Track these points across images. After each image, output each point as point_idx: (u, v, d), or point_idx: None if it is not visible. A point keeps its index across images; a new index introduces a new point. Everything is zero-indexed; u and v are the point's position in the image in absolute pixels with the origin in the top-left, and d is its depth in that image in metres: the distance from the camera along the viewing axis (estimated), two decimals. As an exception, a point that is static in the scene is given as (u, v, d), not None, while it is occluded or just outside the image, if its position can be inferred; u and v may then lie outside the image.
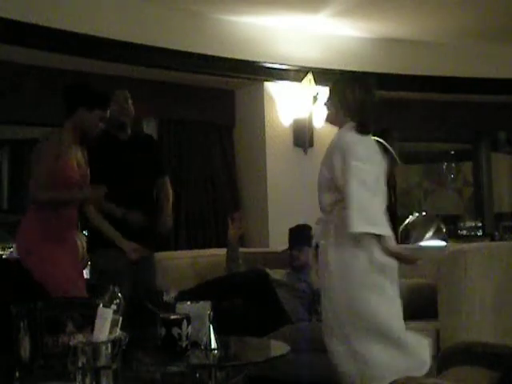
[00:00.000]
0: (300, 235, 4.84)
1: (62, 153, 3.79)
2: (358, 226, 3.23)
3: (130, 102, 4.36)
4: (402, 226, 6.94)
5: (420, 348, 3.33)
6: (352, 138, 3.40)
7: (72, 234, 3.94)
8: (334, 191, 3.37)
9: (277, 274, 4.81)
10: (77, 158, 3.89)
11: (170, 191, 4.53)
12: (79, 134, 3.89)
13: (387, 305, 3.37)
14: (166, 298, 3.48)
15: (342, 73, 6.45)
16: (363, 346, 3.33)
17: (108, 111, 3.93)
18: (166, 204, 4.44)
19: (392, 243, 3.35)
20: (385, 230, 3.31)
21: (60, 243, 3.81)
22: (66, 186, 3.81)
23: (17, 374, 2.73)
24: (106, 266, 4.20)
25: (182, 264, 5.03)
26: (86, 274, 5.29)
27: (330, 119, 3.56)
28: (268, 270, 4.75)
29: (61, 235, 3.83)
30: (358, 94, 3.42)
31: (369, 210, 3.27)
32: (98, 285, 4.06)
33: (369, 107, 3.45)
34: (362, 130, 3.41)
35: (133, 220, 4.20)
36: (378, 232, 3.28)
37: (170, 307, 3.26)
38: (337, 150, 3.38)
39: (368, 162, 3.34)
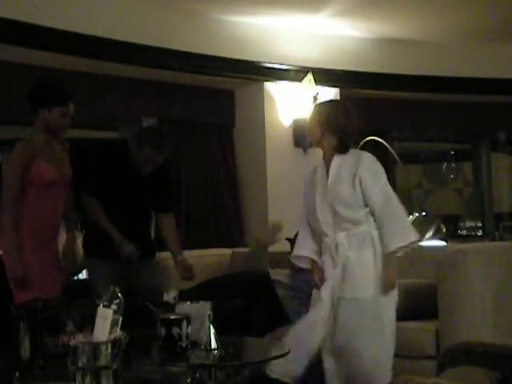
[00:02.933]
0: None
1: (35, 155, 3.79)
2: (413, 236, 3.52)
3: (162, 153, 4.32)
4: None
5: None
6: (371, 157, 3.64)
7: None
8: (363, 207, 3.55)
9: (277, 274, 4.81)
10: (54, 157, 3.89)
11: (175, 231, 4.58)
12: (49, 134, 3.88)
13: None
14: (165, 297, 3.48)
15: (342, 73, 6.48)
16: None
17: (70, 106, 3.88)
18: (172, 245, 4.49)
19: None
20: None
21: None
22: (43, 186, 3.81)
23: (17, 374, 2.73)
24: (97, 279, 4.19)
25: (182, 264, 5.01)
26: (86, 273, 5.31)
27: (314, 137, 3.73)
28: (270, 270, 4.76)
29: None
30: (340, 119, 3.63)
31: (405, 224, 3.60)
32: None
33: (350, 130, 3.65)
34: (343, 149, 3.62)
35: (125, 251, 4.19)
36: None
37: (170, 307, 3.26)
38: (369, 170, 3.57)
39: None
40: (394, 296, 3.55)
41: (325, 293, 3.54)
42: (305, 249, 3.74)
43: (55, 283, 3.92)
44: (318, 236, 3.66)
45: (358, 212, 3.52)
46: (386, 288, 3.49)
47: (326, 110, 3.71)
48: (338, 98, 6.53)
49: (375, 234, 3.52)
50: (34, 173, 3.78)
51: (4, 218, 3.75)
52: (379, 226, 3.51)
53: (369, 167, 3.55)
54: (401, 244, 3.48)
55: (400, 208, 3.53)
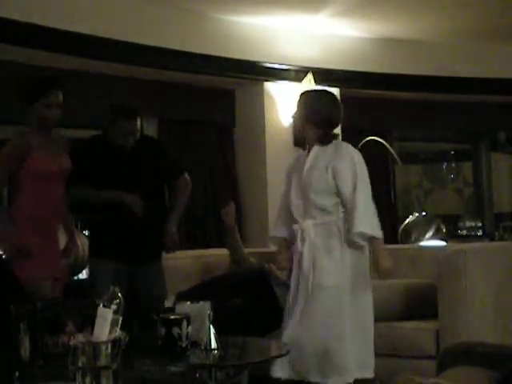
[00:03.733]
0: None
1: (31, 147, 3.81)
2: (374, 229, 3.57)
3: (138, 124, 4.23)
4: (402, 226, 6.94)
5: None
6: (350, 148, 3.70)
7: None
8: (336, 195, 3.60)
9: (279, 272, 4.80)
10: (52, 150, 3.91)
11: (184, 190, 4.41)
12: (41, 127, 3.89)
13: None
14: (167, 304, 3.48)
15: (342, 73, 6.48)
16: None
17: (54, 95, 3.84)
18: (174, 211, 4.35)
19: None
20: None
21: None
22: (40, 176, 3.82)
23: (17, 374, 2.73)
24: (100, 279, 4.17)
25: (182, 264, 5.02)
26: (86, 273, 5.31)
27: (297, 127, 3.85)
28: (272, 266, 4.74)
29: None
30: (323, 110, 3.69)
31: (374, 216, 3.58)
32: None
33: (333, 121, 3.73)
34: (326, 140, 3.67)
35: (131, 203, 4.08)
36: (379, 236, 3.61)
37: (171, 310, 3.26)
38: (344, 159, 3.61)
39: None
40: (367, 283, 3.62)
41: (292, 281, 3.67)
42: (278, 230, 3.87)
43: (56, 265, 3.95)
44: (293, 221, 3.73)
45: (328, 200, 3.58)
46: (383, 276, 3.59)
47: (309, 99, 3.76)
48: (338, 98, 6.53)
49: (342, 225, 3.58)
50: (30, 164, 3.79)
51: None
52: (349, 212, 3.54)
53: (345, 157, 3.60)
54: (366, 231, 3.51)
55: (371, 203, 3.58)
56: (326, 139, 3.67)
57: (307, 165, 3.67)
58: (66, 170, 3.96)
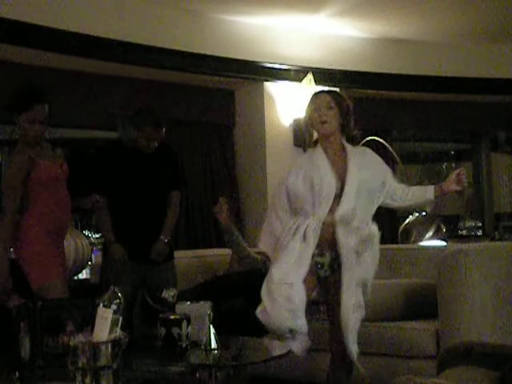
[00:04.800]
0: None
1: (33, 159, 3.82)
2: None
3: (162, 130, 4.31)
4: (402, 226, 6.93)
5: None
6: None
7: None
8: None
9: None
10: (50, 157, 3.92)
11: (177, 207, 4.50)
12: (31, 141, 3.86)
13: None
14: (163, 294, 3.48)
15: (342, 73, 6.47)
16: None
17: (36, 109, 3.80)
18: (167, 223, 4.41)
19: None
20: None
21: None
22: (49, 182, 3.83)
23: (17, 374, 2.73)
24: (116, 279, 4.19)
25: (182, 264, 5.02)
26: (86, 273, 5.32)
27: (332, 129, 3.60)
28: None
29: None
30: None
31: None
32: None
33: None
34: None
35: (111, 254, 4.20)
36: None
37: (167, 303, 3.26)
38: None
39: None
40: None
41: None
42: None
43: (61, 274, 3.94)
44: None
45: None
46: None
47: (346, 100, 3.64)
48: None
49: None
50: (38, 173, 3.81)
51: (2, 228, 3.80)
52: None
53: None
54: None
55: None
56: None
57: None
58: (66, 173, 3.98)
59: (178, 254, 5.30)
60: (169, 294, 3.49)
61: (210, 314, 3.14)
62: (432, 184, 3.72)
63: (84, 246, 5.04)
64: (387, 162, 7.12)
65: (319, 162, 3.51)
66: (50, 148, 4.00)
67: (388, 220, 7.00)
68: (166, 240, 4.35)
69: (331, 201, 3.44)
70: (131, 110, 4.46)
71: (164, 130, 4.32)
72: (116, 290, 2.43)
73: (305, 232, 3.42)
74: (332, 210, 3.44)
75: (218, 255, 5.41)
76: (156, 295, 3.56)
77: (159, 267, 4.33)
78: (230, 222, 4.88)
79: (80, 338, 2.37)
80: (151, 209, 4.32)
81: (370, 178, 3.52)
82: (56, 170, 3.89)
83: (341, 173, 3.48)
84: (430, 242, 6.68)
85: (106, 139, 6.04)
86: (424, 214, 6.94)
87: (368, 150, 3.71)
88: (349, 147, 3.58)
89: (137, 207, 4.26)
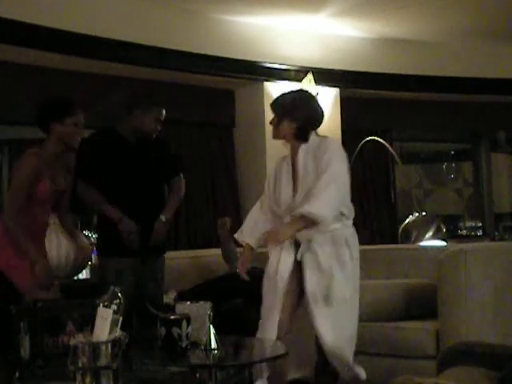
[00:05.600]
0: None
1: (42, 171, 3.80)
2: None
3: (162, 121, 4.30)
4: (401, 226, 6.94)
5: None
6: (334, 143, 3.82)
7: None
8: None
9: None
10: (55, 172, 3.90)
11: (180, 190, 4.44)
12: (61, 146, 3.88)
13: None
14: (165, 299, 3.48)
15: (342, 73, 6.48)
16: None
17: (80, 115, 3.88)
18: (169, 204, 4.36)
19: None
20: None
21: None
22: (39, 201, 3.81)
23: (17, 374, 2.73)
24: (106, 278, 4.16)
25: (182, 264, 5.02)
26: (86, 274, 5.31)
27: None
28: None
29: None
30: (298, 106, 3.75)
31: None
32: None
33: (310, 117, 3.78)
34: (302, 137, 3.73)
35: (123, 228, 4.11)
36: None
37: (170, 308, 3.26)
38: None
39: None
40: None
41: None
42: (249, 237, 3.78)
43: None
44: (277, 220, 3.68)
45: None
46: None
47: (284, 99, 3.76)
48: (338, 98, 6.55)
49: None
50: (38, 189, 3.79)
51: (12, 225, 3.76)
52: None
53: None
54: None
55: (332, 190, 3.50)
56: (302, 135, 3.73)
57: (299, 168, 3.72)
58: (60, 190, 3.95)
59: (177, 254, 5.31)
60: (169, 297, 3.49)
61: (210, 314, 3.14)
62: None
63: (84, 246, 5.04)
64: (387, 162, 7.19)
65: None
66: (63, 164, 3.98)
67: (388, 220, 7.01)
68: (165, 219, 4.27)
69: None
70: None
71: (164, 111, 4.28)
72: (116, 289, 2.43)
73: None
74: None
75: (218, 255, 5.40)
76: (156, 303, 3.55)
77: (152, 262, 4.27)
78: (230, 240, 4.92)
79: (80, 338, 2.37)
80: (145, 200, 4.24)
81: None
82: (50, 189, 3.84)
83: None
84: (430, 241, 6.68)
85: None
86: (424, 214, 6.94)
87: None
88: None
89: (129, 199, 4.17)
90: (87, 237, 5.81)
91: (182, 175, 4.49)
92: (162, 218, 4.26)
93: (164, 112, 4.30)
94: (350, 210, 3.62)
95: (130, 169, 4.22)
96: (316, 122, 3.73)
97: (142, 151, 4.27)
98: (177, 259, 5.04)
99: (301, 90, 3.95)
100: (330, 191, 3.45)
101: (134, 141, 4.26)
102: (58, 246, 4.24)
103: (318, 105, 3.77)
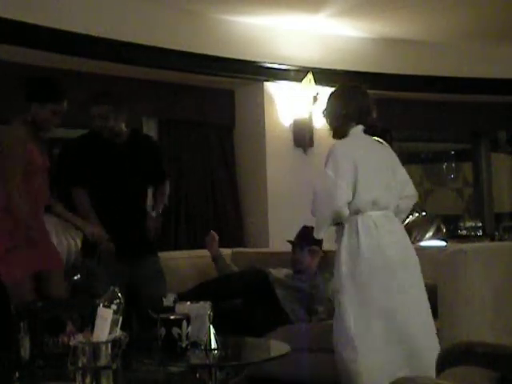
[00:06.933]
0: (306, 237, 4.75)
1: (28, 141, 3.80)
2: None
3: (111, 117, 4.26)
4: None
5: None
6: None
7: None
8: None
9: (279, 273, 4.80)
10: (38, 146, 3.90)
11: (166, 192, 4.51)
12: (34, 128, 3.87)
13: None
14: (165, 303, 3.47)
15: (342, 73, 6.47)
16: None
17: (63, 104, 3.87)
18: (158, 200, 4.44)
19: None
20: None
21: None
22: (31, 170, 3.80)
23: (17, 374, 2.73)
24: (96, 278, 4.16)
25: (182, 264, 5.03)
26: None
27: None
28: (272, 270, 4.75)
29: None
30: None
31: None
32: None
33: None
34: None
35: (89, 233, 4.15)
36: None
37: (171, 311, 3.26)
38: None
39: None
40: None
41: None
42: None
43: (50, 256, 3.93)
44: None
45: None
46: None
47: None
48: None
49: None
50: (27, 155, 3.78)
51: (21, 207, 3.75)
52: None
53: None
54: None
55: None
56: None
57: None
58: (47, 165, 3.96)
59: (178, 254, 5.32)
60: (169, 300, 3.49)
61: (210, 314, 3.14)
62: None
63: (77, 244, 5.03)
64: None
65: None
66: (41, 139, 3.99)
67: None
68: (155, 215, 4.34)
69: None
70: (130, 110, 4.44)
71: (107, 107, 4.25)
72: (116, 289, 2.43)
73: None
74: None
75: (218, 255, 5.40)
76: (157, 305, 3.54)
77: (141, 263, 4.28)
78: (218, 252, 5.04)
79: (80, 338, 2.37)
80: (131, 201, 4.28)
81: None
82: (40, 160, 3.85)
83: None
84: (430, 241, 6.68)
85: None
86: (424, 214, 6.94)
87: None
88: None
89: (115, 200, 4.21)
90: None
91: (164, 183, 4.54)
92: (153, 213, 4.31)
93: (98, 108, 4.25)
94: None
95: (116, 170, 4.25)
96: None
97: (130, 152, 4.30)
98: (177, 259, 5.05)
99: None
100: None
101: (122, 142, 4.30)
102: (57, 245, 4.25)
103: None
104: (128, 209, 4.25)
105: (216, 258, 5.02)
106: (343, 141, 3.67)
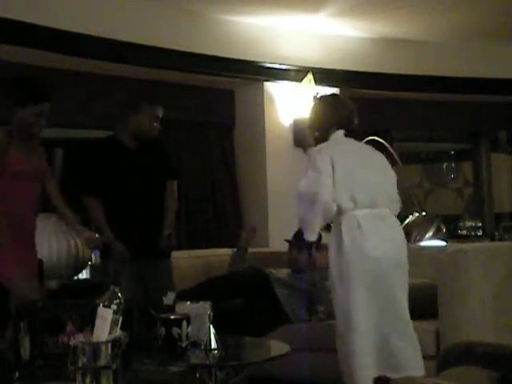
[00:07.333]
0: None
1: (11, 144, 3.72)
2: None
3: (159, 118, 4.33)
4: (401, 226, 6.93)
5: None
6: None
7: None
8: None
9: (280, 273, 4.80)
10: (28, 150, 3.81)
11: (175, 197, 4.51)
12: (20, 134, 3.77)
13: None
14: (165, 301, 3.47)
15: (342, 73, 6.48)
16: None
17: (46, 104, 3.75)
18: (167, 214, 4.42)
19: None
20: None
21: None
22: (12, 175, 3.72)
23: (17, 374, 2.73)
24: (105, 279, 4.18)
25: (182, 264, 5.02)
26: (86, 273, 5.31)
27: None
28: (272, 270, 4.75)
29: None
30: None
31: None
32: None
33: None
34: None
35: (114, 250, 4.18)
36: None
37: (171, 309, 3.26)
38: None
39: None
40: None
41: None
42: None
43: (33, 268, 3.87)
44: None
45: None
46: None
47: None
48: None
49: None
50: (7, 162, 3.70)
51: None
52: None
53: None
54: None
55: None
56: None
57: None
58: (39, 170, 3.88)
59: (178, 254, 5.30)
60: (169, 299, 3.48)
61: (210, 314, 3.14)
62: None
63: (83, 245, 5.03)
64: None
65: None
66: (36, 146, 3.92)
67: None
68: (167, 233, 4.35)
69: None
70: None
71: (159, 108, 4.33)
72: (116, 289, 2.43)
73: None
74: None
75: (218, 255, 5.41)
76: (157, 304, 3.54)
77: (156, 263, 4.31)
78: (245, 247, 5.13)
79: (80, 338, 2.37)
80: (145, 203, 4.30)
81: None
82: (25, 165, 3.76)
83: None
84: (430, 241, 6.68)
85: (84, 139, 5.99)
86: (424, 214, 6.94)
87: None
88: None
89: (130, 203, 4.24)
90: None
91: (175, 181, 4.54)
92: (166, 232, 4.33)
93: (159, 110, 4.31)
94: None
95: (131, 176, 4.26)
96: None
97: (142, 157, 4.30)
98: (177, 259, 5.04)
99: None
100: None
101: (135, 147, 4.31)
102: (49, 247, 4.24)
103: None
104: (143, 211, 4.28)
105: (242, 250, 5.10)
106: (322, 145, 3.70)
